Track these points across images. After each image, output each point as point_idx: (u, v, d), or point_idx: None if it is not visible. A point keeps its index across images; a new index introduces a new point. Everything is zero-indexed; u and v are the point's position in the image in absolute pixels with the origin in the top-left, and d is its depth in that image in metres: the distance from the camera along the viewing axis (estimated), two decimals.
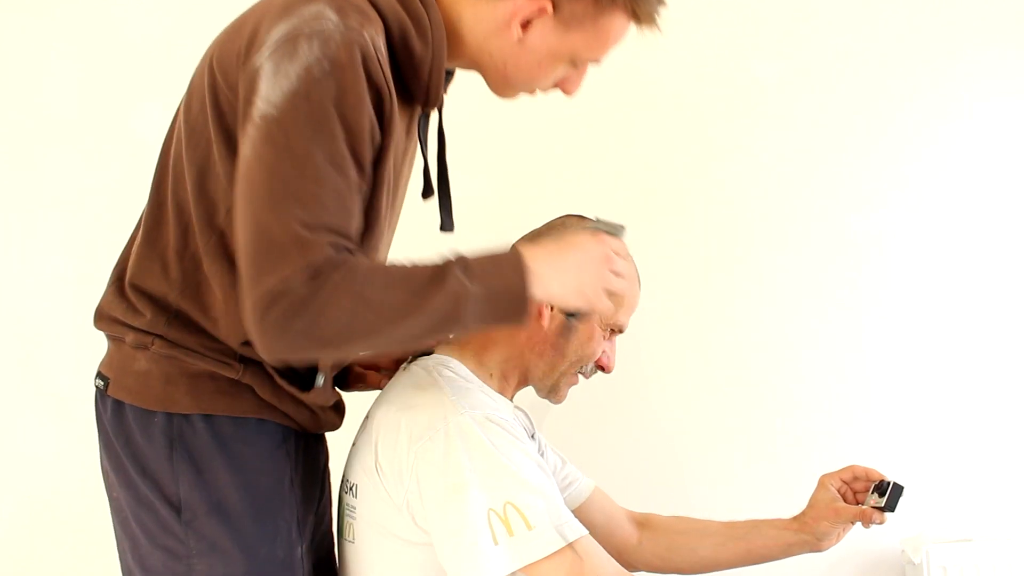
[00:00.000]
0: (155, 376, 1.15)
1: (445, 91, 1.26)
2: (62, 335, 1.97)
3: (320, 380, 1.19)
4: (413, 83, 1.11)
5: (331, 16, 1.01)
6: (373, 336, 1.03)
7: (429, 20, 1.09)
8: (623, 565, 1.52)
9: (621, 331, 1.37)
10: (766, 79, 2.05)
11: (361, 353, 1.16)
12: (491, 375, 1.31)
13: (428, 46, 1.09)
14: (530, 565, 1.11)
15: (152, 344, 1.15)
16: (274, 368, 1.15)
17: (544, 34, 1.12)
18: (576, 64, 1.17)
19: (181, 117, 1.16)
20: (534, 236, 1.36)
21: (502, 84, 1.18)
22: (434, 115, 1.23)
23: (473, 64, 1.18)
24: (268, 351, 1.02)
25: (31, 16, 2.00)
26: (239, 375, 1.14)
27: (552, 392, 1.36)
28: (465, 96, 1.37)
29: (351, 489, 1.27)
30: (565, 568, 1.11)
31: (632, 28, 1.16)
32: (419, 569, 1.19)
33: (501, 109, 1.54)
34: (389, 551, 1.21)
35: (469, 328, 1.07)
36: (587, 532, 1.15)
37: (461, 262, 1.04)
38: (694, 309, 2.03)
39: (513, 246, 1.15)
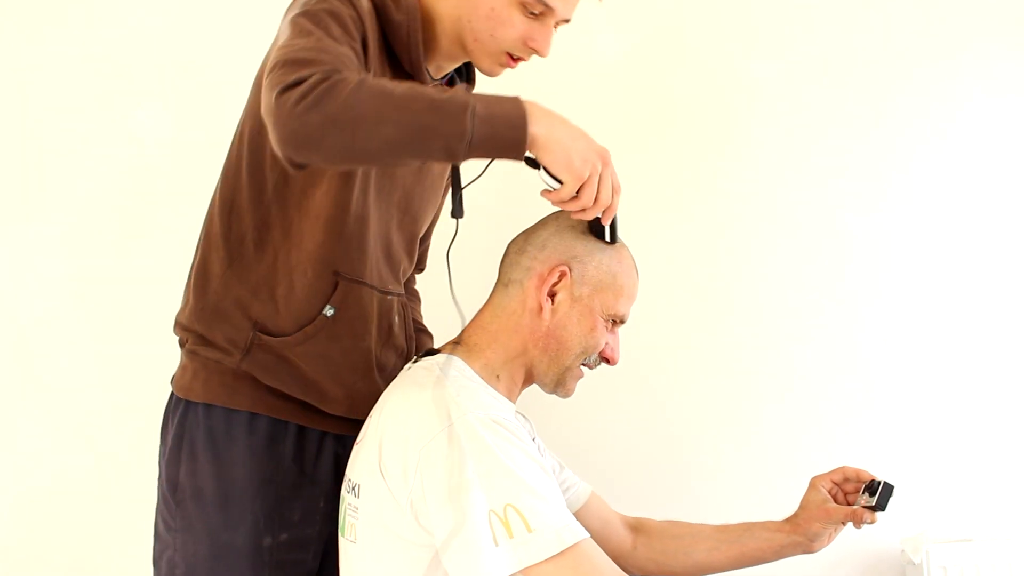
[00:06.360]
0: (188, 369, 1.36)
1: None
2: (61, 335, 1.97)
3: (329, 311, 1.33)
4: (398, 47, 1.30)
5: None
6: (377, 121, 1.09)
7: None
8: None
9: (623, 322, 1.37)
10: (763, 78, 2.05)
11: (367, 144, 1.12)
12: (497, 377, 1.32)
13: (403, 13, 1.29)
14: (529, 567, 1.10)
15: (187, 341, 1.36)
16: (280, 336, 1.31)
17: None
18: (528, 10, 1.27)
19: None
20: (529, 232, 1.37)
21: (475, 47, 1.31)
22: None
23: (453, 38, 1.33)
24: (282, 131, 1.09)
25: (31, 16, 2.01)
26: (238, 363, 1.31)
27: (559, 386, 1.36)
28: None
29: (353, 488, 1.27)
30: (564, 571, 1.11)
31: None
32: (422, 570, 1.19)
33: None
34: (392, 551, 1.21)
35: (463, 146, 1.10)
36: (588, 535, 1.15)
37: (467, 88, 1.24)
38: (689, 308, 2.03)
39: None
